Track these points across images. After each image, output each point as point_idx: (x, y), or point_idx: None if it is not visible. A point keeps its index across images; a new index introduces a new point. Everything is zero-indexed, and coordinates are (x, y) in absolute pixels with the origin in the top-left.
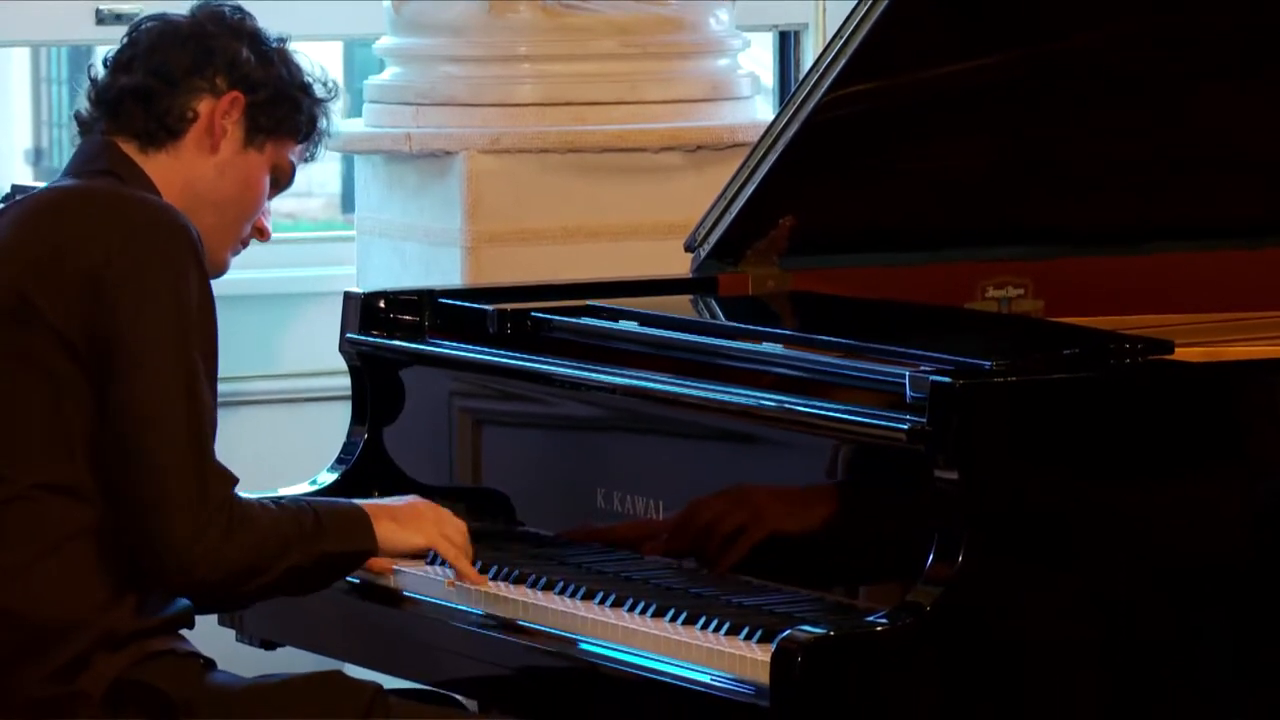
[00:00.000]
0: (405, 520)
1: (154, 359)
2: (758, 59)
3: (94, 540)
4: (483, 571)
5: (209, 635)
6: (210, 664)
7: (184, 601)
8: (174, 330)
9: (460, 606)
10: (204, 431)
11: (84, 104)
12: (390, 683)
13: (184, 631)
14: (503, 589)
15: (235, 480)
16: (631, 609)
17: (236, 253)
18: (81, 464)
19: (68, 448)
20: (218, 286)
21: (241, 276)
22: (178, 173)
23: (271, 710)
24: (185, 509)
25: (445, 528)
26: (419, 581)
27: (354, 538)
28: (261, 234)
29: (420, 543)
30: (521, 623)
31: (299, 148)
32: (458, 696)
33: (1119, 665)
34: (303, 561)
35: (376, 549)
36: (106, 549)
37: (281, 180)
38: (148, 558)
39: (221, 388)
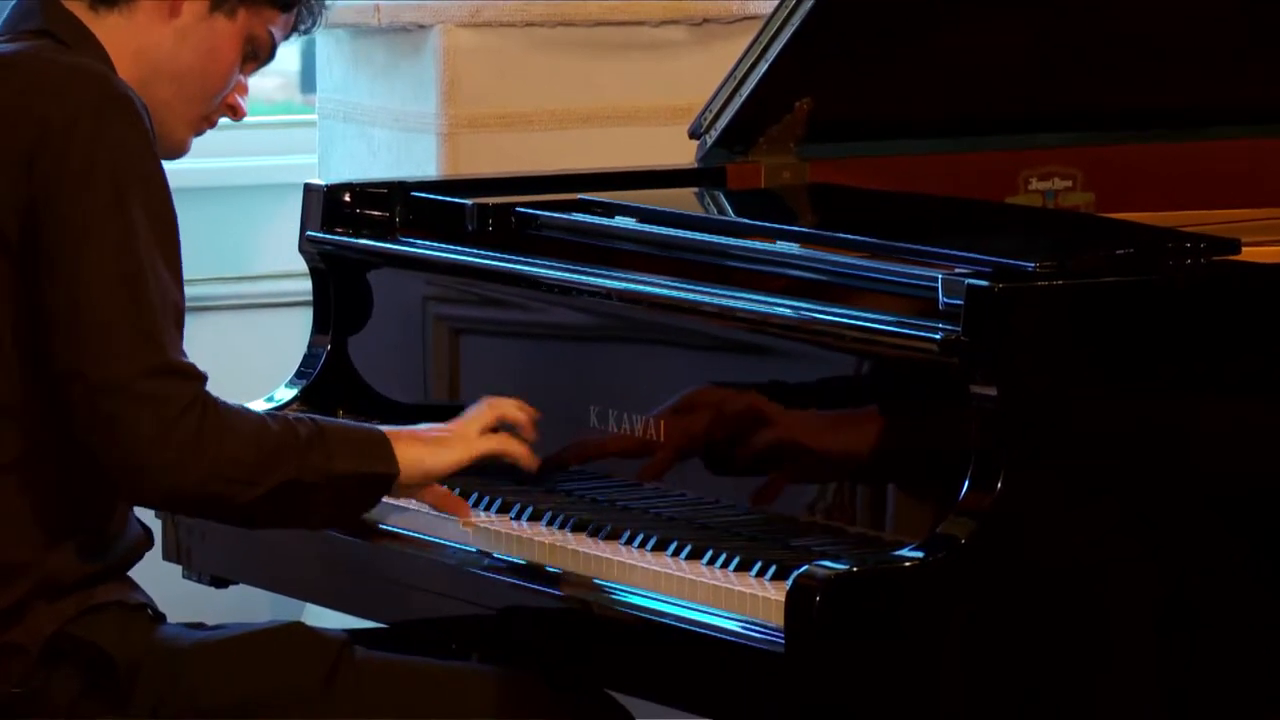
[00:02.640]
0: (432, 440)
1: (99, 243)
2: None
3: (30, 471)
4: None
5: (151, 571)
6: (160, 617)
7: (136, 531)
8: (120, 212)
9: (437, 539)
10: (161, 320)
11: None
12: (357, 624)
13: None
14: (483, 519)
15: (204, 376)
16: (629, 542)
17: (199, 132)
18: (11, 377)
19: None
20: None
21: (186, 167)
22: (131, 36)
23: (224, 669)
24: (148, 407)
25: (476, 439)
26: (392, 512)
27: (368, 457)
28: (234, 112)
29: (458, 458)
30: (505, 558)
31: (282, 18)
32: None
33: (1175, 603)
34: (303, 476)
35: (397, 471)
36: (45, 481)
37: (260, 54)
38: (113, 470)
39: None
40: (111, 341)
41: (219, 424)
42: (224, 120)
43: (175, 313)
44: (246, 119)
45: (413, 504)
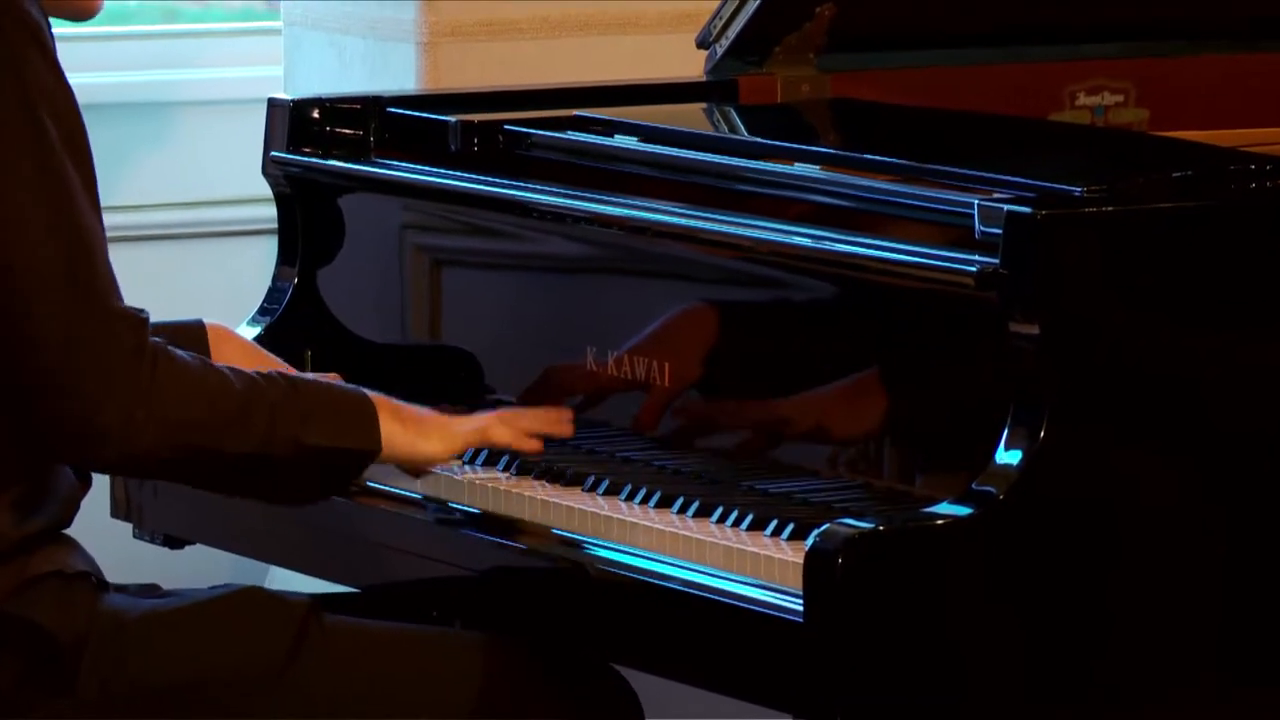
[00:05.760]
0: (412, 422)
1: (20, 181)
2: None
3: None
4: None
5: (97, 528)
6: (103, 585)
7: (70, 480)
8: (40, 145)
9: (416, 495)
10: (97, 260)
11: None
12: (323, 588)
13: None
14: (468, 473)
15: (145, 318)
16: (630, 498)
17: None
18: None
19: None
20: (104, 93)
21: (137, 80)
22: None
23: (177, 643)
24: (90, 358)
25: (468, 425)
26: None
27: (347, 429)
28: None
29: (432, 452)
30: (492, 515)
31: None
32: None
33: (1238, 567)
34: (271, 446)
35: (378, 448)
36: None
37: None
38: (56, 433)
39: (116, 219)
40: (45, 287)
41: (174, 375)
42: (181, 27)
43: (103, 246)
44: (204, 26)
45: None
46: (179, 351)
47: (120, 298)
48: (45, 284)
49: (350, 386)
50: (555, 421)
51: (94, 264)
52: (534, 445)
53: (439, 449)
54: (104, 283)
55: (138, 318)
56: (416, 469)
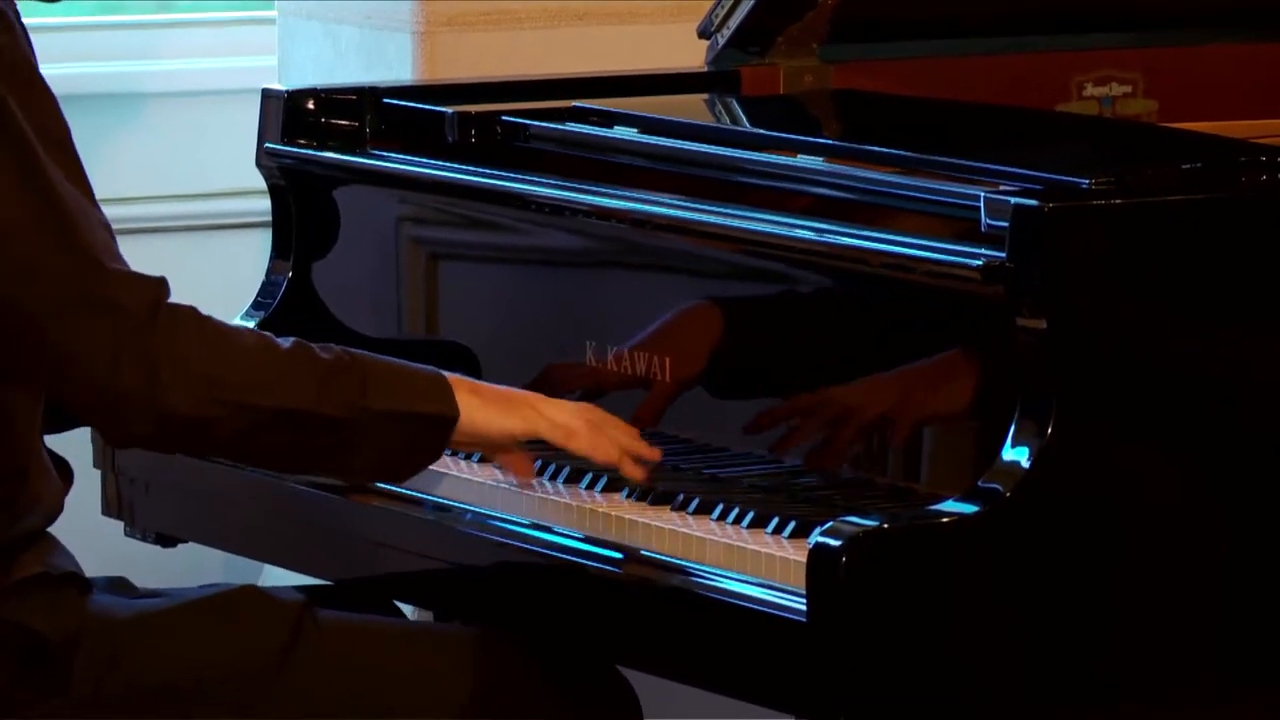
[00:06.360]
0: (493, 398)
1: None
2: None
3: None
4: None
5: (85, 526)
6: (88, 585)
7: (54, 479)
8: (6, 129)
9: (414, 493)
10: (84, 226)
11: None
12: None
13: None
14: (463, 469)
15: (160, 280)
16: (629, 495)
17: None
18: None
19: None
20: (97, 83)
21: (129, 70)
22: None
23: (169, 643)
24: (101, 323)
25: (555, 412)
26: None
27: (418, 394)
28: None
29: (512, 427)
30: (489, 514)
31: None
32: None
33: (1244, 565)
34: (324, 407)
35: (457, 414)
36: None
37: None
38: (88, 408)
39: (108, 212)
40: (34, 261)
41: (201, 334)
42: (172, 18)
43: (101, 225)
44: (196, 16)
45: (473, 472)
46: (214, 317)
47: (120, 262)
48: (36, 252)
49: (424, 366)
50: (643, 445)
51: (74, 225)
52: (612, 455)
53: (522, 425)
54: (99, 247)
55: (145, 280)
56: (497, 447)
